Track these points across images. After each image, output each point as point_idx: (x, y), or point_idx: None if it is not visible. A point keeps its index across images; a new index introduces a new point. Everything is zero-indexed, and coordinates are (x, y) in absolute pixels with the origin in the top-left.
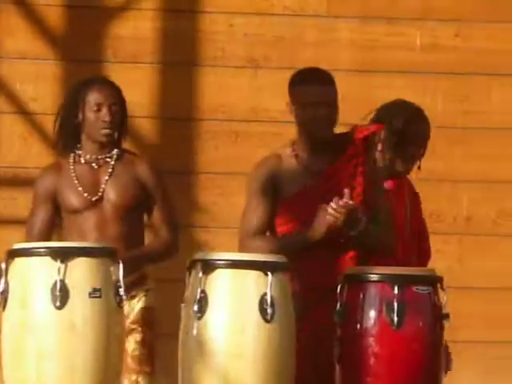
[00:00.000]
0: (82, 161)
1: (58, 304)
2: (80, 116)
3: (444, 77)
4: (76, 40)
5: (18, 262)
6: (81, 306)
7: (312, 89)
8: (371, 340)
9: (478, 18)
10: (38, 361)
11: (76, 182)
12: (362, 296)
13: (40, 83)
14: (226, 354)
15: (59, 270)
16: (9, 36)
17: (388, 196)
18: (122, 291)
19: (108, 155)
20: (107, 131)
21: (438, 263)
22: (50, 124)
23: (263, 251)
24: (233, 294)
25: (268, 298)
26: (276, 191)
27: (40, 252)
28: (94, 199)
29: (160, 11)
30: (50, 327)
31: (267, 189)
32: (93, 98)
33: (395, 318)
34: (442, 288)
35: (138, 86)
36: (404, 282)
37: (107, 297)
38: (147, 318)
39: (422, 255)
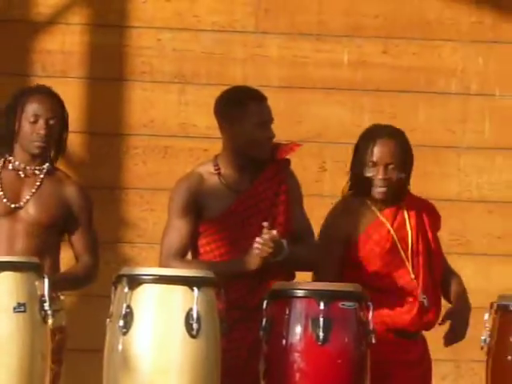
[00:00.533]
0: (10, 167)
1: None
2: (16, 124)
3: (371, 94)
4: (4, 54)
5: None
6: (5, 320)
7: (266, 107)
8: (297, 356)
9: (406, 36)
10: None
11: None
12: (287, 311)
13: None
14: (151, 369)
15: None
16: None
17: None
18: (47, 306)
19: (38, 168)
20: (40, 144)
21: None
22: None
23: None
24: (159, 309)
25: (194, 313)
26: (199, 211)
27: None
28: (12, 206)
29: (88, 26)
30: None
31: (189, 208)
32: (31, 108)
33: (321, 334)
34: (368, 304)
35: (66, 101)
36: (330, 297)
37: (32, 311)
38: (53, 340)
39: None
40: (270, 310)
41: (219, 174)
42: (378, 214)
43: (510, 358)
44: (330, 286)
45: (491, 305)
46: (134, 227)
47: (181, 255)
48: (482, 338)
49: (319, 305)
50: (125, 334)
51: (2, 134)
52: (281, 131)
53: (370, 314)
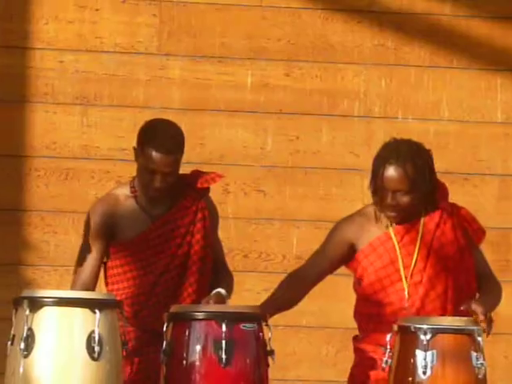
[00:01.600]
0: None
1: None
2: None
3: (274, 116)
4: None
5: None
6: None
7: (161, 158)
8: (198, 378)
9: (309, 59)
10: None
11: None
12: (188, 334)
13: None
14: None
15: None
16: None
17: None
18: None
19: None
20: None
21: None
22: None
23: None
24: (60, 331)
25: (96, 335)
26: (112, 233)
27: None
28: None
29: None
30: None
31: (102, 232)
32: None
33: (223, 356)
34: (266, 324)
35: None
36: (231, 319)
37: None
38: None
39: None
40: (171, 332)
41: (135, 196)
42: (390, 228)
43: (410, 379)
44: (230, 307)
45: (392, 326)
46: (36, 250)
47: (90, 282)
48: (384, 359)
49: (221, 326)
50: (26, 356)
51: None
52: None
53: (269, 334)
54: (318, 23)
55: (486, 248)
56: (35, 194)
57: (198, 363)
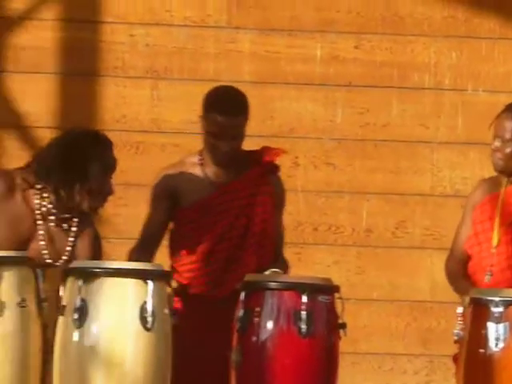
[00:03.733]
0: None
1: None
2: None
3: (344, 89)
4: None
5: None
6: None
7: (227, 121)
8: (276, 348)
9: (378, 31)
10: None
11: None
12: (268, 304)
13: None
14: (106, 362)
15: None
16: None
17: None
18: None
19: None
20: None
21: (337, 275)
22: None
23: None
24: (113, 302)
25: (148, 306)
26: (175, 198)
27: None
28: None
29: (61, 21)
30: None
31: (163, 196)
32: None
33: (303, 327)
34: (339, 297)
35: (39, 97)
36: (311, 290)
37: None
38: None
39: None
40: (248, 301)
41: (202, 164)
42: (503, 188)
43: (482, 350)
44: (308, 279)
45: (464, 298)
46: (108, 223)
47: (146, 245)
48: (455, 331)
49: (301, 297)
50: (79, 327)
51: None
52: (253, 127)
53: (341, 307)
54: None
55: None
56: None
57: (276, 333)
